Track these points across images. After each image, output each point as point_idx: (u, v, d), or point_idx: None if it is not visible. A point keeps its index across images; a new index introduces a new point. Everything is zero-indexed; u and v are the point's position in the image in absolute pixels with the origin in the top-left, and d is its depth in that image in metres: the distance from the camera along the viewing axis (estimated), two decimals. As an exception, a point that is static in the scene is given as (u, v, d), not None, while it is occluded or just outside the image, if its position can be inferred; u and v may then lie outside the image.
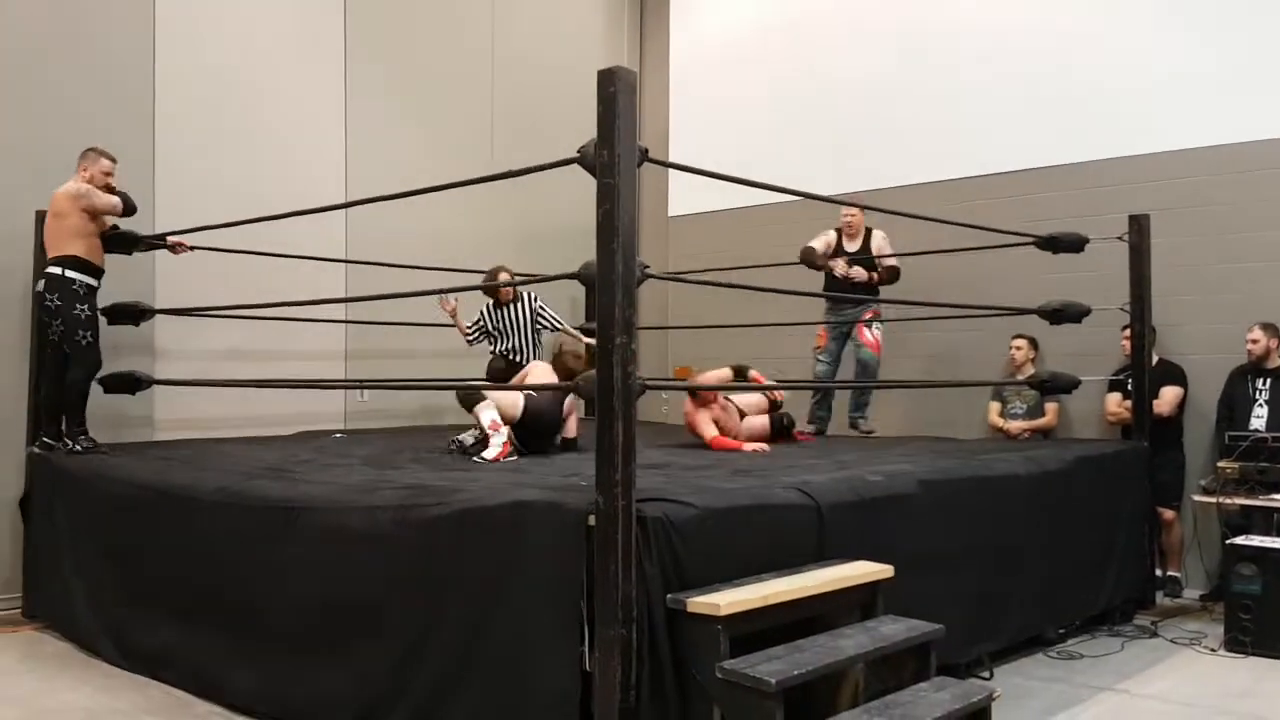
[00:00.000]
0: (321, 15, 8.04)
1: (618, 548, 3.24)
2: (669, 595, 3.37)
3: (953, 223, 6.63)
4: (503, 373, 7.29)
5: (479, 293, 7.55)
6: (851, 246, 7.51)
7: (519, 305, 7.40)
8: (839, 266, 7.38)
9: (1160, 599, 6.57)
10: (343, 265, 7.77)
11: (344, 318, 7.83)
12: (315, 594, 4.19)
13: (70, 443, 5.94)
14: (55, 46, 6.60)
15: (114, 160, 6.17)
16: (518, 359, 7.32)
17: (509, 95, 9.20)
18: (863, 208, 7.34)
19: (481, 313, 7.49)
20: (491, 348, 7.52)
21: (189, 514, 4.76)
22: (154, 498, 5.02)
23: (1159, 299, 6.54)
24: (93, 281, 5.99)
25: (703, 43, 9.92)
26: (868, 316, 7.42)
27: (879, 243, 7.49)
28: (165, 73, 7.12)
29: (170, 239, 6.42)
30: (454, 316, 7.41)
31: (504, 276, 7.35)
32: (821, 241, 7.55)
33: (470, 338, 7.51)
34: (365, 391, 8.08)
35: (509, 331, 7.41)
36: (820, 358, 7.60)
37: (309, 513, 4.25)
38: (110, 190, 6.07)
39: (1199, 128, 7.03)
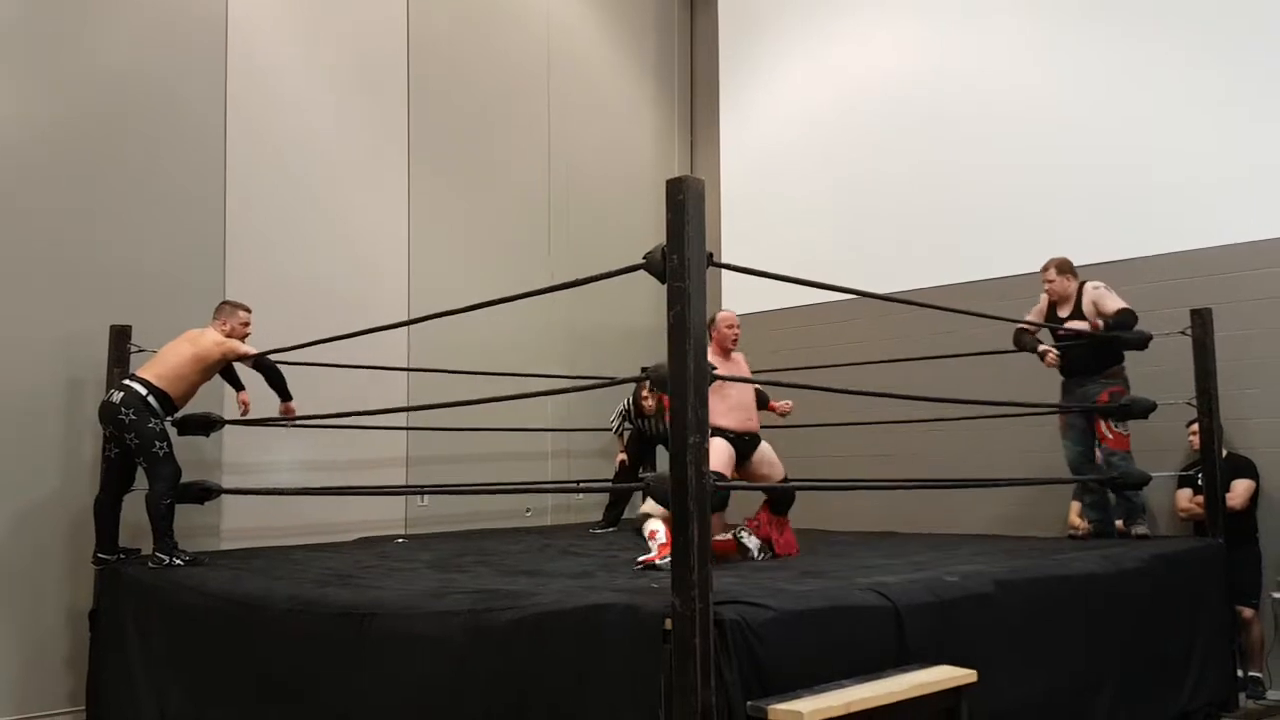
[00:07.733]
0: (387, 120, 8.33)
1: (696, 652, 3.19)
2: (749, 702, 3.30)
3: (1008, 320, 6.60)
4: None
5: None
6: (1065, 313, 6.45)
7: None
8: (1049, 357, 6.38)
9: (1244, 701, 6.34)
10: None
11: (405, 424, 7.91)
12: (389, 701, 4.15)
13: (165, 558, 5.79)
14: (124, 158, 6.83)
15: (249, 310, 6.38)
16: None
17: (564, 194, 9.47)
18: (1061, 269, 6.46)
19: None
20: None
21: (261, 623, 4.76)
22: (226, 607, 5.03)
23: (1224, 392, 6.41)
24: (163, 415, 5.98)
25: (753, 145, 10.06)
26: (1103, 399, 6.27)
27: (1092, 297, 6.36)
28: (235, 169, 7.37)
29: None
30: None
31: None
32: (1033, 314, 6.61)
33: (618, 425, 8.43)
34: (425, 496, 8.13)
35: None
36: (1065, 441, 6.56)
37: (380, 619, 4.24)
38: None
39: (1263, 220, 6.98)
